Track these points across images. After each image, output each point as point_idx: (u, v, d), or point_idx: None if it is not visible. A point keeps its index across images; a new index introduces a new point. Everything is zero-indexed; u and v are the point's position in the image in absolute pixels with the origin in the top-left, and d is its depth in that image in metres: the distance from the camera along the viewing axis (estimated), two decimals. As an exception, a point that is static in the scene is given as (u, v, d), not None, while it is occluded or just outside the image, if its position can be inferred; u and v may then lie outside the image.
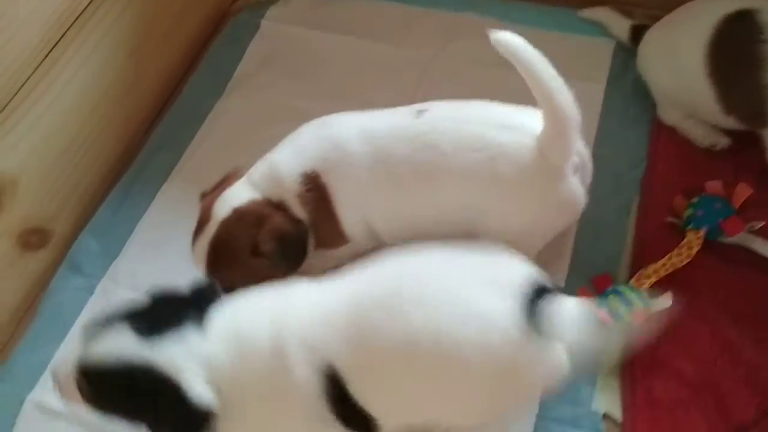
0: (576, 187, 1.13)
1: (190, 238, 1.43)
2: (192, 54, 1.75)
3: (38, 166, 1.35)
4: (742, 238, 1.29)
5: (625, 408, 1.18)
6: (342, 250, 1.23)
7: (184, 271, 1.38)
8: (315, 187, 1.14)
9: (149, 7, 1.55)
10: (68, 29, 1.35)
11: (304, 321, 0.94)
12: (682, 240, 1.29)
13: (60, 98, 1.37)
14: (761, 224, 1.29)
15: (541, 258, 1.33)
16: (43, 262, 1.41)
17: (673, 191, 1.37)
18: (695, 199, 1.33)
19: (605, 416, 1.18)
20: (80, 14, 1.37)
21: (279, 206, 1.15)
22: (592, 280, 1.29)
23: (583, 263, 1.33)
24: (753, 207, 1.32)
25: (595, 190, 1.27)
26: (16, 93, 1.26)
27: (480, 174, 1.09)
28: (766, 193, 1.34)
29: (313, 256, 1.21)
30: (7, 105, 1.24)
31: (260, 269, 1.13)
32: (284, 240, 1.13)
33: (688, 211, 1.32)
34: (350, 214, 1.16)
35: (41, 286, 1.41)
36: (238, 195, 1.16)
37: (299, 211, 1.15)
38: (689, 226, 1.30)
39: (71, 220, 1.46)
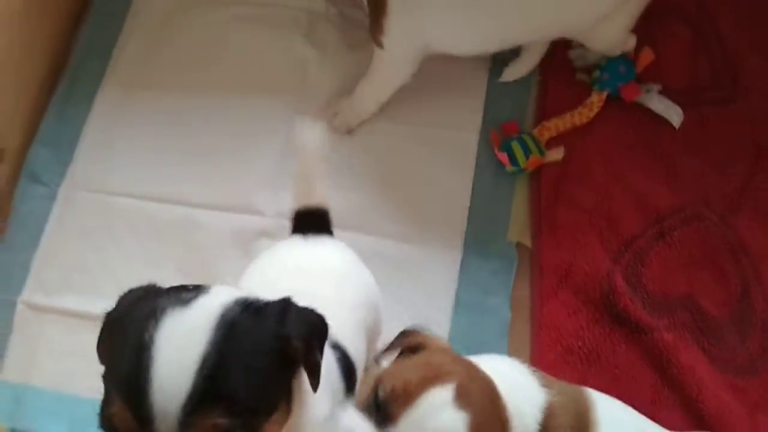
0: None
1: (136, 138, 1.55)
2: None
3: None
4: (642, 98, 1.45)
5: (533, 236, 1.40)
6: (380, 55, 1.37)
7: (136, 170, 1.53)
8: None
9: None
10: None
11: None
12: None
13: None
14: (658, 87, 1.46)
15: (455, 104, 1.51)
16: (3, 177, 1.51)
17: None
18: (603, 62, 1.46)
19: (518, 244, 1.40)
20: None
21: None
22: (502, 125, 1.46)
23: (495, 110, 1.50)
24: (655, 70, 1.47)
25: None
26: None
27: None
28: (669, 56, 1.49)
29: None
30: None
31: None
32: None
33: (596, 73, 1.47)
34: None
35: (6, 198, 1.51)
36: None
37: None
38: (595, 87, 1.46)
39: (21, 133, 1.54)
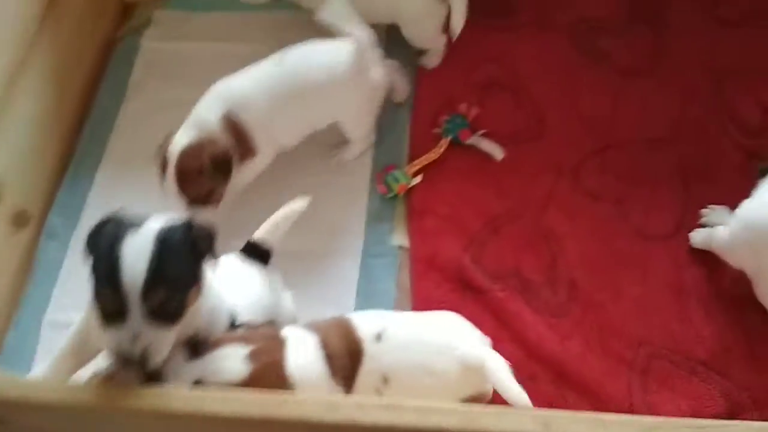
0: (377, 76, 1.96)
1: (124, 205, 2.14)
2: (96, 76, 2.41)
3: (16, 169, 2.02)
4: (473, 141, 2.10)
5: (410, 238, 1.99)
6: (256, 161, 1.93)
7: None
8: (232, 124, 1.84)
9: (61, 61, 2.23)
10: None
11: None
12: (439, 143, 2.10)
13: (22, 124, 2.06)
14: (483, 131, 2.11)
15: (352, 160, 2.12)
16: (30, 234, 2.08)
17: (437, 111, 2.17)
18: (447, 118, 2.13)
19: (400, 247, 1.98)
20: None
21: (210, 140, 1.79)
22: (385, 167, 2.09)
23: (381, 157, 2.13)
24: (485, 120, 2.14)
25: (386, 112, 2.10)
26: None
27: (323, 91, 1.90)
28: (495, 111, 2.15)
29: (237, 170, 1.87)
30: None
31: (207, 183, 1.77)
32: (216, 160, 1.77)
33: (444, 126, 2.13)
34: (259, 133, 1.87)
35: (32, 249, 2.08)
36: (180, 141, 1.78)
37: (224, 140, 1.82)
38: (443, 135, 2.11)
39: (42, 202, 2.12)
